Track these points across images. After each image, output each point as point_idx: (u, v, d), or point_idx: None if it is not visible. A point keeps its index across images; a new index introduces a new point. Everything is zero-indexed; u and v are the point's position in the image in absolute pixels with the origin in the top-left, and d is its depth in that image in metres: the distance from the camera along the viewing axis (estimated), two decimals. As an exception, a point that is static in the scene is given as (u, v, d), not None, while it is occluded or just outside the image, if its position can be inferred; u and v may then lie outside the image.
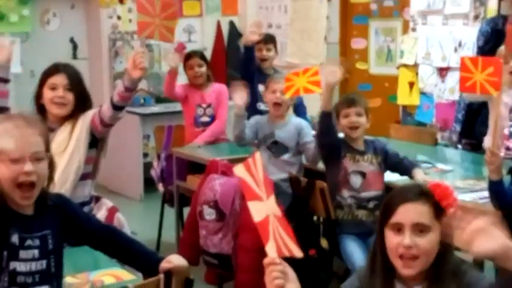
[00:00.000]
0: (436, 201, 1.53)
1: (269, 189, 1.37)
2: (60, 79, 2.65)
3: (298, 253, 1.34)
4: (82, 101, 2.75)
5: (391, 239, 1.52)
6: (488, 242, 1.30)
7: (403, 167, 3.03)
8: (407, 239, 1.48)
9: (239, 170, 1.41)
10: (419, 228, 1.49)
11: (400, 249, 1.49)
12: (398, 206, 1.52)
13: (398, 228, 1.51)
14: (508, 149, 3.48)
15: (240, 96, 3.10)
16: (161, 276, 1.88)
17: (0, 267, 1.80)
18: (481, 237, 1.30)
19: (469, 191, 2.95)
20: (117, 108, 2.70)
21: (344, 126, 3.01)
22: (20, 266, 1.82)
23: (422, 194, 1.55)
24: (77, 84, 2.72)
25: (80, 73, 2.81)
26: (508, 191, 2.64)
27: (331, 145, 3.01)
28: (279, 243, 1.37)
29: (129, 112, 4.94)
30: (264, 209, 1.39)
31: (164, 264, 1.88)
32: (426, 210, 1.51)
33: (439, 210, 1.51)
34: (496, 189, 2.57)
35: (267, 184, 1.38)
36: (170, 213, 4.22)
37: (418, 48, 4.98)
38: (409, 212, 1.52)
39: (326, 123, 3.00)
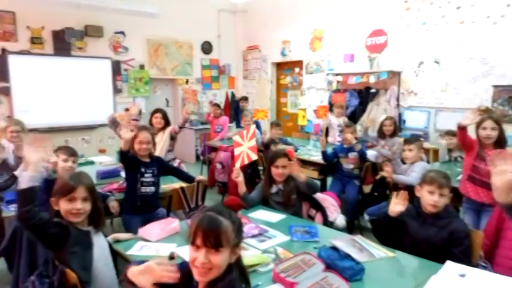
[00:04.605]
0: (289, 157, 2.56)
1: (250, 139, 2.16)
2: (158, 114, 4.30)
3: (254, 157, 2.08)
4: (167, 123, 4.26)
5: (274, 171, 2.42)
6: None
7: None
8: (280, 171, 2.43)
9: (236, 136, 2.14)
10: (284, 166, 2.52)
11: (278, 174, 2.31)
12: (277, 158, 2.46)
13: (277, 166, 2.34)
14: (338, 141, 5.27)
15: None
16: (195, 184, 2.95)
17: (137, 180, 2.87)
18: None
19: (312, 155, 4.49)
20: (180, 127, 4.25)
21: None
22: (144, 179, 2.86)
23: (285, 154, 2.63)
24: (164, 116, 4.30)
25: (166, 112, 4.28)
26: (328, 154, 4.14)
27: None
28: (244, 160, 2.11)
29: (189, 128, 7.89)
30: (241, 149, 2.18)
31: (197, 178, 3.09)
32: (286, 160, 2.54)
33: (289, 159, 2.60)
34: (324, 155, 4.20)
35: (251, 138, 2.21)
36: (204, 167, 6.29)
37: (306, 102, 7.54)
38: (280, 160, 2.49)
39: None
